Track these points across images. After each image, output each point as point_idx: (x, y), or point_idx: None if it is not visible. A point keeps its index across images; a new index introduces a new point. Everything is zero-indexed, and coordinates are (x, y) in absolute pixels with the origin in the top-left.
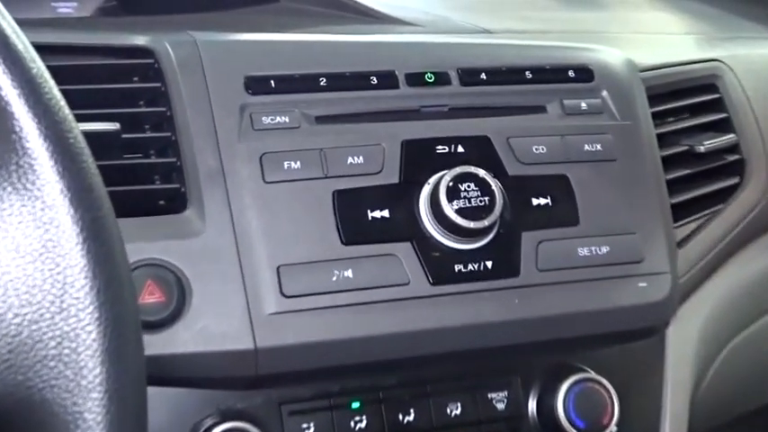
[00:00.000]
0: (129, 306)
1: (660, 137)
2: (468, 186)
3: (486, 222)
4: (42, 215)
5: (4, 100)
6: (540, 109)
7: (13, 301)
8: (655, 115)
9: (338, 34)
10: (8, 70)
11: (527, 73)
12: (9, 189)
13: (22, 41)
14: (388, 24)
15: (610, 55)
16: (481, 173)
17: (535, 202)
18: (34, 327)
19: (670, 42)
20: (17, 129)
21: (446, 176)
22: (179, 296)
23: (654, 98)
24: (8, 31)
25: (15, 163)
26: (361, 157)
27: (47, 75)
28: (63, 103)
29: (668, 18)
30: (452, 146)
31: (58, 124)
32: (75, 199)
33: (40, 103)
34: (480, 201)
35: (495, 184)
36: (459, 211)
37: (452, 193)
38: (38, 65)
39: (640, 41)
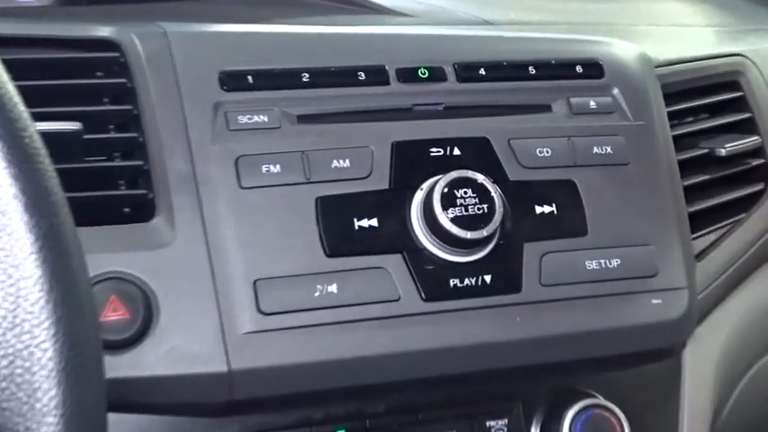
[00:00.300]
0: (89, 322)
1: (677, 139)
2: (465, 193)
3: (484, 232)
4: None
5: None
6: (545, 108)
7: None
8: (671, 115)
9: (322, 25)
10: None
11: (530, 68)
12: None
13: None
14: (378, 14)
15: (622, 49)
16: (479, 178)
17: (539, 210)
18: None
19: (688, 35)
20: None
21: (441, 182)
22: (145, 313)
23: (670, 96)
24: None
25: None
26: (347, 161)
27: (0, 68)
28: (18, 99)
29: (686, 9)
30: (448, 148)
31: (12, 122)
32: (30, 204)
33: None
34: (478, 208)
35: (494, 191)
36: (455, 220)
37: (447, 200)
38: None
39: (655, 34)
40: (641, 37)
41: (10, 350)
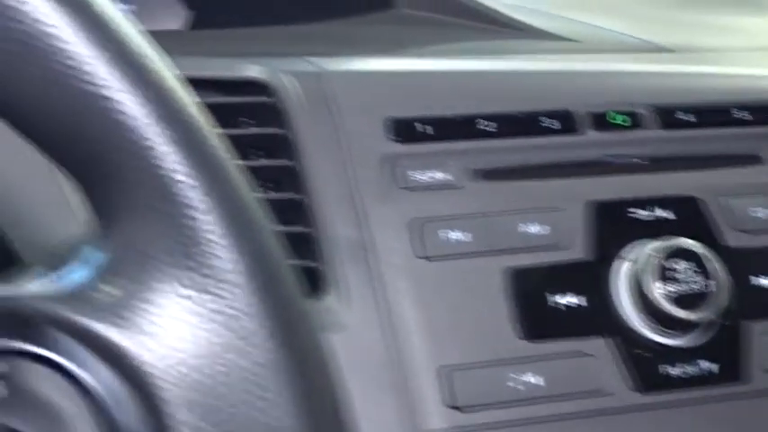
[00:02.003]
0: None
1: None
2: (680, 264)
3: (705, 311)
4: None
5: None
6: (754, 159)
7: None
8: None
9: (480, 54)
10: (163, 118)
11: (740, 111)
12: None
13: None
14: (538, 39)
15: None
16: (696, 246)
17: (765, 282)
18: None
19: None
20: (177, 196)
21: (651, 251)
22: None
23: None
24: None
25: (181, 238)
26: (536, 225)
27: (203, 118)
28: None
29: None
30: (655, 209)
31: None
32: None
33: (203, 160)
34: (697, 283)
35: (714, 261)
36: (670, 297)
37: (660, 273)
38: (189, 100)
39: None
40: None
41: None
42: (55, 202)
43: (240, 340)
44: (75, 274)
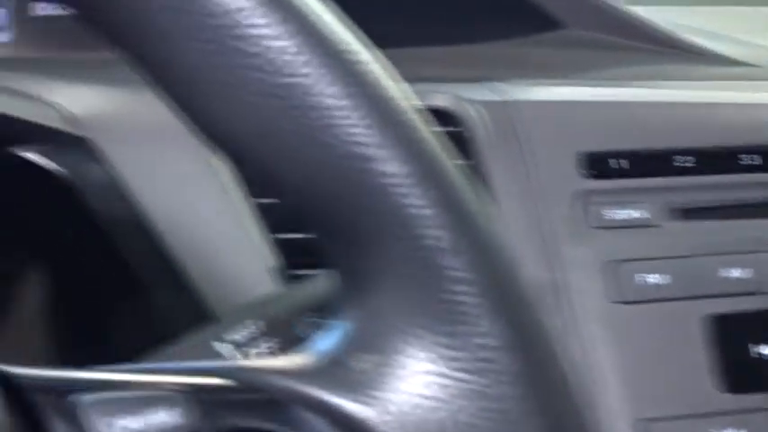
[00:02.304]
0: None
1: None
2: None
3: None
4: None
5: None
6: None
7: None
8: None
9: (669, 83)
10: (425, 179)
11: None
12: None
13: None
14: (713, 65)
15: None
16: None
17: None
18: None
19: None
20: (440, 267)
21: None
22: None
23: None
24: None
25: (443, 313)
26: (738, 269)
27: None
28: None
29: None
30: None
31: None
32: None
33: (467, 224)
34: None
35: None
36: None
37: None
38: (445, 153)
39: None
40: None
41: None
42: (247, 256)
43: (507, 425)
44: (317, 346)
